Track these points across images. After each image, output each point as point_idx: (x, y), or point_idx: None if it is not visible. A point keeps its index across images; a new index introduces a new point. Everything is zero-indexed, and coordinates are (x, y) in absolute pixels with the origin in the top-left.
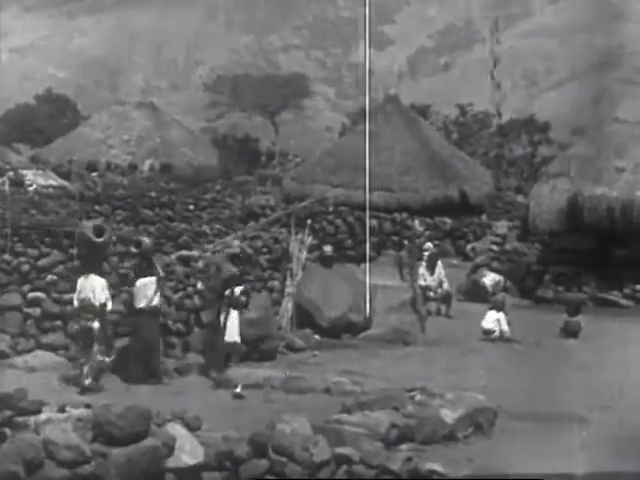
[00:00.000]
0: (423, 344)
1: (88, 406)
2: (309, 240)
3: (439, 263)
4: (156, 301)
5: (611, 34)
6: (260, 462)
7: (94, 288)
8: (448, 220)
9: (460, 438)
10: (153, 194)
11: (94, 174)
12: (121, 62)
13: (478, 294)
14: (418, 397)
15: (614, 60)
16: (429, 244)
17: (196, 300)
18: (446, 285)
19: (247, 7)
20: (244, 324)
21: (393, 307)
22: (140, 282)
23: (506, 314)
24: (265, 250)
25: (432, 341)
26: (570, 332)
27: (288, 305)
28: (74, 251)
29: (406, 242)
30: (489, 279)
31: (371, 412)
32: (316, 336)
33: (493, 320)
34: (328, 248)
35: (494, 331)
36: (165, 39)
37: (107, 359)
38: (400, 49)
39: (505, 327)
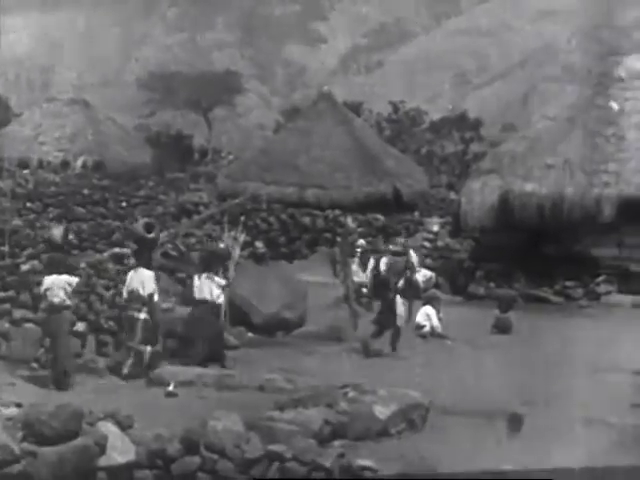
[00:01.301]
0: (356, 341)
1: (19, 405)
2: (242, 237)
3: (371, 260)
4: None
5: (540, 33)
6: (192, 459)
7: (143, 280)
8: (381, 217)
9: (393, 434)
10: (86, 191)
11: (26, 171)
12: (53, 59)
13: (411, 290)
14: (351, 394)
15: (543, 58)
16: (362, 241)
17: None
18: None
19: (180, 4)
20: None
21: (326, 304)
22: (204, 276)
23: (438, 310)
24: (198, 247)
25: (363, 338)
26: (501, 328)
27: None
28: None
29: (339, 239)
30: (421, 275)
31: (304, 409)
32: (250, 333)
33: (424, 315)
34: (260, 244)
35: (424, 326)
36: (98, 36)
37: (149, 348)
38: (333, 47)
39: (436, 323)
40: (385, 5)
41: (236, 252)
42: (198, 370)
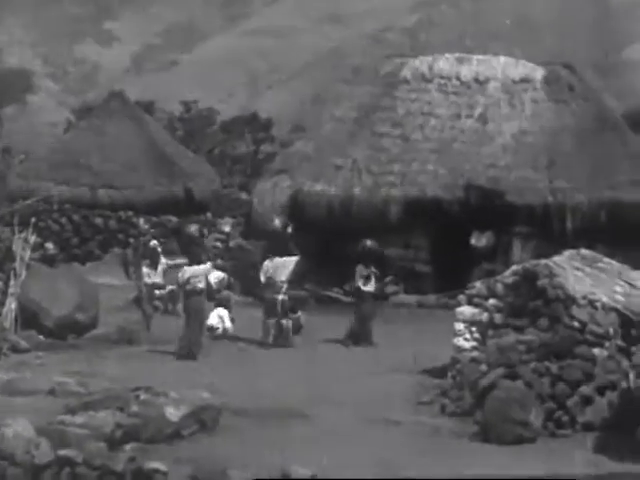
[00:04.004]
0: (149, 343)
1: None
2: (33, 239)
3: (163, 261)
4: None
5: (329, 35)
6: None
7: (278, 268)
8: (173, 218)
9: (185, 436)
10: None
11: None
12: None
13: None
14: (143, 396)
15: (333, 60)
16: (154, 242)
17: None
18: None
19: None
20: None
21: (119, 306)
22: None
23: (230, 311)
24: None
25: (158, 340)
26: (292, 329)
27: (12, 305)
28: None
29: (132, 240)
30: (213, 276)
31: (96, 413)
32: (41, 337)
33: (216, 317)
34: (51, 246)
35: (217, 328)
36: None
37: (288, 322)
38: (126, 46)
39: (228, 324)
40: (177, 5)
41: (27, 254)
42: None
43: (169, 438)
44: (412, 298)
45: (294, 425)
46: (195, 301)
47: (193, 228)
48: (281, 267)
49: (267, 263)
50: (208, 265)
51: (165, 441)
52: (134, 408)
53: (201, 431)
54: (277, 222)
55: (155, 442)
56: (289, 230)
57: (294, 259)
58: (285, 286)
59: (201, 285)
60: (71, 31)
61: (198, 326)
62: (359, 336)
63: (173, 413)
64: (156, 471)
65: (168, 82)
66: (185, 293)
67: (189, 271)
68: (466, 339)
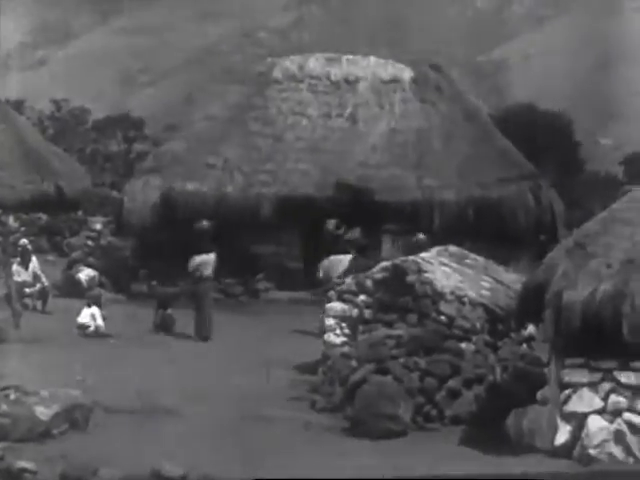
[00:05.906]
0: (18, 341)
1: None
2: None
3: (34, 259)
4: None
5: (203, 34)
6: None
7: (334, 265)
8: (44, 216)
9: (56, 435)
10: None
11: None
12: None
13: (74, 290)
14: (13, 395)
15: (206, 59)
16: (24, 240)
17: None
18: (43, 280)
19: None
20: None
21: None
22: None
23: (101, 309)
24: None
25: (27, 338)
26: (164, 326)
27: None
28: None
29: (0, 239)
30: (84, 274)
31: None
32: None
33: (88, 315)
34: None
35: (89, 326)
36: None
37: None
38: None
39: (100, 322)
40: (47, 2)
41: None
42: None
43: (40, 437)
44: (284, 294)
45: (166, 423)
46: (204, 287)
47: (205, 224)
48: (336, 264)
49: (324, 261)
50: (213, 255)
51: (36, 440)
52: (3, 407)
53: (72, 430)
54: (331, 224)
55: (25, 441)
56: (340, 231)
57: (349, 257)
58: (339, 282)
59: (208, 272)
60: None
61: (208, 309)
62: None
63: (44, 412)
64: (25, 470)
65: (38, 80)
66: (193, 280)
67: (197, 259)
68: (337, 335)
